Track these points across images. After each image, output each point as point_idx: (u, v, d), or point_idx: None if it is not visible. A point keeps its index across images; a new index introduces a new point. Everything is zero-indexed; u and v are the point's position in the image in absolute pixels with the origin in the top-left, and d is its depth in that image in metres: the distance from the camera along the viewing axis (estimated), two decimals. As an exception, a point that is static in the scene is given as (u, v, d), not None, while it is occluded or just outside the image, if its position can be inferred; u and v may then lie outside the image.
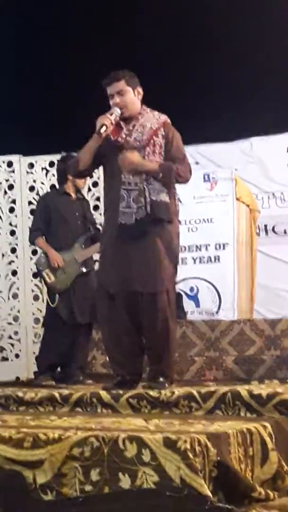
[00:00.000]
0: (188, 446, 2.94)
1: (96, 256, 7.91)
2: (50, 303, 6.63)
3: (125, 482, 3.00)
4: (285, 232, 8.92)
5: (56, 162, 7.91)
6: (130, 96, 5.05)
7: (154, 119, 5.03)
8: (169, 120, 5.10)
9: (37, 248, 7.19)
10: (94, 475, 3.06)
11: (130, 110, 5.04)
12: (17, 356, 8.35)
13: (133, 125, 5.03)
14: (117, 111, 4.99)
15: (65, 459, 3.13)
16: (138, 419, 3.85)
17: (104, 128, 4.89)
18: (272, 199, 8.74)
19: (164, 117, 5.07)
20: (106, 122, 4.90)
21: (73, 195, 6.78)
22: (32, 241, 6.91)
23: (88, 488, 3.07)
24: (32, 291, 8.28)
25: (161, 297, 4.90)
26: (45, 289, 6.97)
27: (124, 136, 5.01)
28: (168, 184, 4.95)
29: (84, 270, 6.63)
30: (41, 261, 6.72)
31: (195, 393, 4.24)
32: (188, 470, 2.91)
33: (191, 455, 2.93)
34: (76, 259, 6.62)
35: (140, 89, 5.11)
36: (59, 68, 9.54)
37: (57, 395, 4.64)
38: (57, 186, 7.15)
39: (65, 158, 6.89)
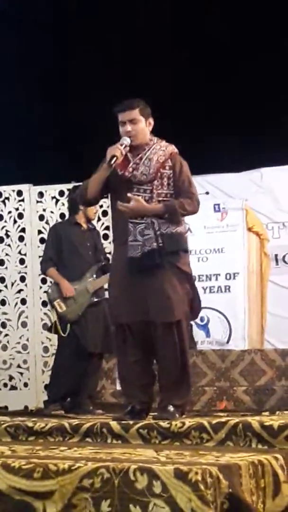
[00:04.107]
0: (200, 478, 2.91)
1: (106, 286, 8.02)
2: (61, 333, 6.62)
3: (135, 513, 2.97)
4: (295, 262, 8.90)
5: (66, 191, 7.96)
6: (142, 126, 5.03)
7: (160, 150, 5.00)
8: (176, 150, 5.07)
9: (47, 277, 7.18)
10: (105, 506, 3.03)
11: (140, 139, 5.01)
12: (25, 385, 8.33)
13: (140, 158, 5.00)
14: (127, 141, 4.96)
15: (75, 490, 3.10)
16: (149, 450, 3.82)
17: (114, 159, 4.89)
18: (282, 229, 8.72)
19: (171, 148, 5.05)
20: (117, 153, 4.89)
21: (84, 225, 6.79)
22: (44, 271, 6.92)
23: (98, 519, 3.04)
24: (41, 320, 8.28)
25: (177, 327, 4.89)
26: (54, 319, 6.97)
27: (131, 170, 4.98)
28: (175, 222, 4.93)
29: (95, 299, 6.63)
30: (52, 291, 6.72)
31: (206, 424, 4.20)
32: (200, 502, 2.88)
33: (202, 487, 2.90)
34: (87, 289, 6.62)
35: (151, 120, 5.09)
36: (69, 98, 9.58)
37: (67, 425, 4.60)
38: (67, 215, 7.15)
39: (77, 188, 6.89)
